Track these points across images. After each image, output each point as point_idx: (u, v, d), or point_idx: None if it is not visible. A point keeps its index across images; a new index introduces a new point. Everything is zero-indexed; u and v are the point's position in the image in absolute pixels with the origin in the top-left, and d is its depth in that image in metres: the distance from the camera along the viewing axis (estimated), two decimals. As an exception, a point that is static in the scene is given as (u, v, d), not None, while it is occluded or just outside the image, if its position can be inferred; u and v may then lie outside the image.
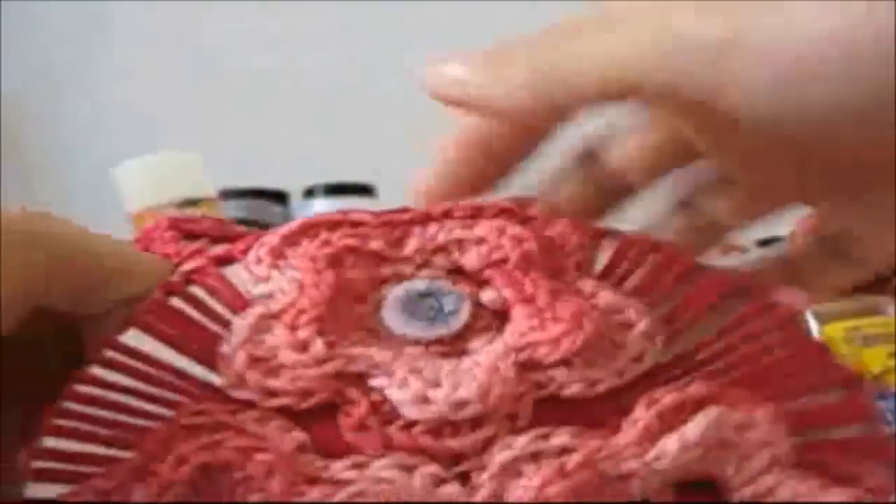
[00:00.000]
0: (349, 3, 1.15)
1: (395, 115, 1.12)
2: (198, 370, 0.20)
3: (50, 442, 0.19)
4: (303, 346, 0.20)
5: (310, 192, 0.95)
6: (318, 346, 0.20)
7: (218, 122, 1.15)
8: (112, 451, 0.19)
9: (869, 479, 0.19)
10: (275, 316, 0.21)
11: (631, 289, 0.22)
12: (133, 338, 0.21)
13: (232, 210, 0.84)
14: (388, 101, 1.13)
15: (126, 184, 0.63)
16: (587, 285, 0.22)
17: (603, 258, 0.23)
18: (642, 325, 0.21)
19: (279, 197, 0.96)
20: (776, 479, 0.19)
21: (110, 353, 0.20)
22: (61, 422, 0.19)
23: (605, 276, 0.22)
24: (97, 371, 0.20)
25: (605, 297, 0.21)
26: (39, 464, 0.19)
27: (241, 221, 0.93)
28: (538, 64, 0.22)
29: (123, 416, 0.19)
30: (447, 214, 0.23)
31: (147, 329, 0.21)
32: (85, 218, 0.21)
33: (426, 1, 1.13)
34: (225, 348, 0.20)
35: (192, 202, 0.63)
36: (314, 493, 0.18)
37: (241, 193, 0.91)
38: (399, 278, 0.22)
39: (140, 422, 0.19)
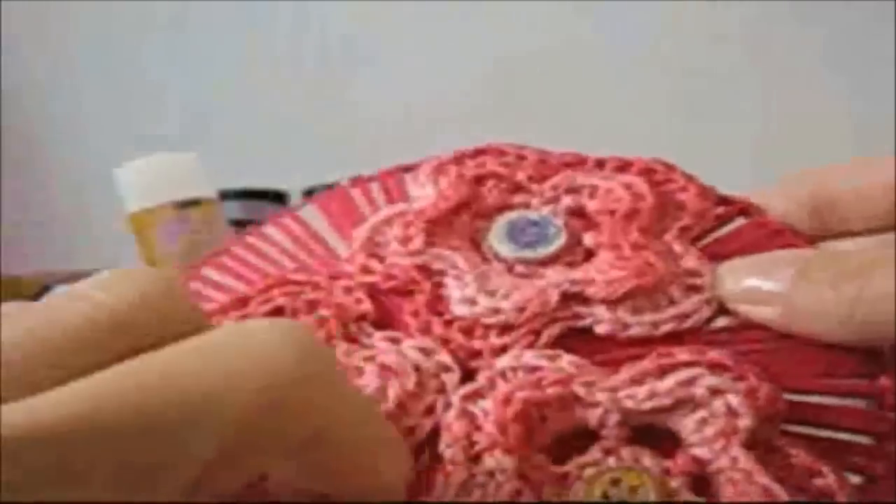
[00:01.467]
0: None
1: (398, 116, 1.12)
2: (335, 241, 0.24)
3: (211, 273, 0.25)
4: (406, 241, 0.23)
5: (310, 192, 0.95)
6: (417, 243, 0.23)
7: (218, 121, 1.16)
8: (238, 284, 0.24)
9: (818, 481, 0.19)
10: (405, 214, 0.24)
11: (724, 259, 0.23)
12: (308, 211, 0.26)
13: (231, 210, 0.84)
14: (390, 100, 1.13)
15: (126, 184, 0.63)
16: (679, 247, 0.23)
17: (726, 230, 0.24)
18: (706, 292, 0.22)
19: (279, 197, 0.96)
20: (723, 453, 0.19)
21: (284, 217, 0.26)
22: (223, 258, 0.25)
23: (711, 244, 0.24)
24: (266, 227, 0.26)
25: (689, 260, 0.23)
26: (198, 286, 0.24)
27: (240, 222, 0.93)
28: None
29: (264, 262, 0.24)
30: (600, 164, 0.25)
31: (320, 205, 0.26)
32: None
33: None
34: (357, 230, 0.24)
35: (192, 203, 0.63)
36: (342, 347, 0.21)
37: (241, 194, 0.91)
38: (523, 206, 0.25)
39: (270, 268, 0.24)
